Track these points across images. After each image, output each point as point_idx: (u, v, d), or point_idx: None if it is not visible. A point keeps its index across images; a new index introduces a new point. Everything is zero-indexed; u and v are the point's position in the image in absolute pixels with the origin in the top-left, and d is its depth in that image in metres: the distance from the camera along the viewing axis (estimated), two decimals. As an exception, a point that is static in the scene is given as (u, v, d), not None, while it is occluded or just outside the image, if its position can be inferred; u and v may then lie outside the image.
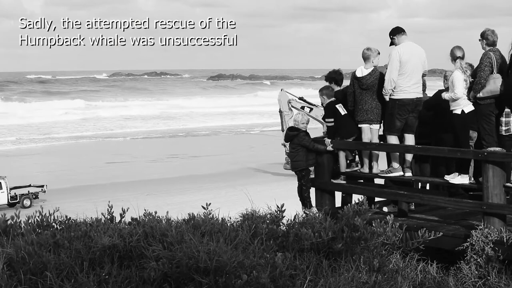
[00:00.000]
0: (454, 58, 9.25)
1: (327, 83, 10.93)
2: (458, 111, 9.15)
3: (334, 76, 10.87)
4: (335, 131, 10.38)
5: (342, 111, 10.35)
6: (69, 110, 63.84)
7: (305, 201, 10.41)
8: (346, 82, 10.96)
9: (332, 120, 10.39)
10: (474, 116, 9.12)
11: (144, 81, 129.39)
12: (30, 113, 60.41)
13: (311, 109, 30.04)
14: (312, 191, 10.61)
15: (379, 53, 10.06)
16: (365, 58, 10.10)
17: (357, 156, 10.84)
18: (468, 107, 9.12)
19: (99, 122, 55.83)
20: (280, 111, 29.85)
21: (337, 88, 10.76)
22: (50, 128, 50.51)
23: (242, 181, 28.53)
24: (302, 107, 29.98)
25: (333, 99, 10.47)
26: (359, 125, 10.17)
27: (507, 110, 8.87)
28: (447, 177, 9.27)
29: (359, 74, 10.07)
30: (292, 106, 29.73)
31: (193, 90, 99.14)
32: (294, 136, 10.42)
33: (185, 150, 37.36)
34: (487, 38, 9.00)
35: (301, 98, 30.30)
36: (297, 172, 10.46)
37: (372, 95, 10.01)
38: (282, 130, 29.34)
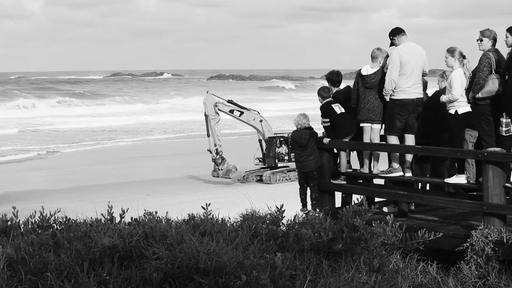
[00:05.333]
0: (458, 57, 9.20)
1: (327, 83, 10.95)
2: (452, 111, 9.17)
3: (330, 77, 10.87)
4: (331, 131, 10.40)
5: (339, 110, 10.33)
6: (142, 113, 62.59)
7: (312, 202, 10.42)
8: (347, 83, 10.98)
9: (328, 120, 10.39)
10: (469, 118, 9.12)
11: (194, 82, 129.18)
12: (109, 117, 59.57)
13: (242, 112, 28.90)
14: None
15: (387, 56, 10.06)
16: (373, 57, 10.11)
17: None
18: (462, 108, 9.10)
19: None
20: (206, 115, 28.41)
21: (334, 89, 10.74)
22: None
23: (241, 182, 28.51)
24: (231, 111, 28.82)
25: (329, 99, 10.45)
26: (361, 125, 10.17)
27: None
28: (446, 180, 9.31)
29: (364, 72, 10.08)
30: (219, 110, 28.46)
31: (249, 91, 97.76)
32: (312, 135, 10.38)
33: (187, 151, 37.32)
34: (489, 37, 8.98)
35: (230, 101, 29.09)
36: (310, 172, 10.38)
37: (375, 94, 10.01)
38: (208, 136, 28.27)
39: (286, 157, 29.21)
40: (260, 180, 28.52)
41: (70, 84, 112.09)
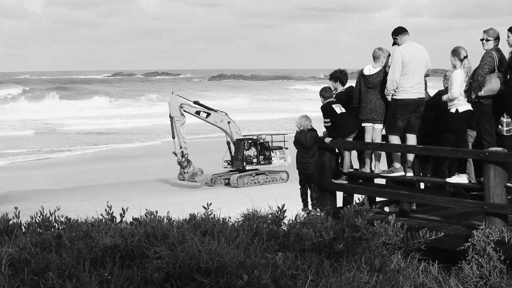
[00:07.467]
0: (459, 57, 9.24)
1: (332, 82, 10.92)
2: (453, 110, 9.21)
3: (340, 76, 10.85)
4: (333, 131, 10.39)
5: (339, 110, 10.33)
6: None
7: (313, 202, 10.42)
8: (350, 83, 10.98)
9: (328, 120, 10.38)
10: (470, 116, 9.13)
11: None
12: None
13: (209, 114, 28.23)
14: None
15: (389, 55, 10.06)
16: (375, 57, 10.11)
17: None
18: (463, 107, 9.15)
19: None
20: (171, 117, 27.81)
21: (340, 88, 10.75)
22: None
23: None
24: (198, 112, 28.23)
25: (330, 99, 10.46)
26: (362, 124, 10.18)
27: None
28: (447, 179, 9.30)
29: (366, 72, 10.08)
30: (185, 111, 27.87)
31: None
32: (316, 137, 10.39)
33: (189, 152, 37.40)
34: (493, 36, 8.99)
35: (196, 102, 28.47)
36: (311, 174, 10.38)
37: (377, 94, 10.02)
38: (173, 138, 27.74)
39: (255, 160, 28.55)
40: (228, 184, 27.93)
41: (81, 84, 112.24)
